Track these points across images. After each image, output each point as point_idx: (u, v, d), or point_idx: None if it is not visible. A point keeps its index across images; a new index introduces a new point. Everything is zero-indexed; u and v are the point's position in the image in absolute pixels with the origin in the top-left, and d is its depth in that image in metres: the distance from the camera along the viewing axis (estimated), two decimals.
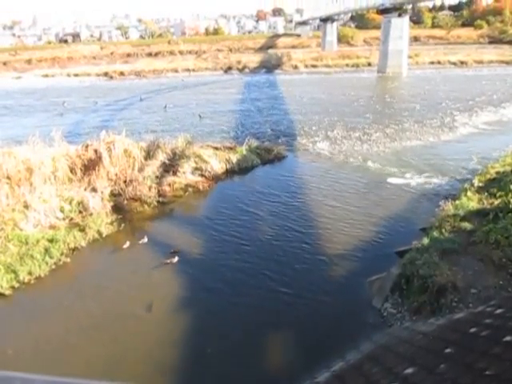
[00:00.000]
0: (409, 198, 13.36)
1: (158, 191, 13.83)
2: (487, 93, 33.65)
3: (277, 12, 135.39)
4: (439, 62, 58.27)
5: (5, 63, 71.38)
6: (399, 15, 48.47)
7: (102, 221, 11.78)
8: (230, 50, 76.97)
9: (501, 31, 77.28)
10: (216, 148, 17.42)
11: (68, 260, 10.11)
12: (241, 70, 60.89)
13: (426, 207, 12.36)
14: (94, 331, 7.61)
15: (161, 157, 15.13)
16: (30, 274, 9.29)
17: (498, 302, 5.93)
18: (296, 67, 59.98)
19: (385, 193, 13.88)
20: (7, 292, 8.82)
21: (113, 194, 13.31)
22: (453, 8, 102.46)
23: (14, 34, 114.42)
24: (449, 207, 10.90)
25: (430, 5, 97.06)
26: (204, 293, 8.75)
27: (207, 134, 22.48)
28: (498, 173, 13.42)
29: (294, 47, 78.63)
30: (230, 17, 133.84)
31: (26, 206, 11.63)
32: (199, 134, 21.31)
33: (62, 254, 10.18)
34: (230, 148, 17.75)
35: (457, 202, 11.27)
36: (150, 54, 77.16)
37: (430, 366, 4.04)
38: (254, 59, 65.30)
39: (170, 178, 14.61)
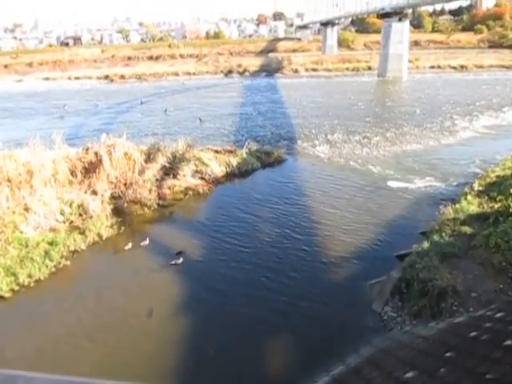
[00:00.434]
0: (409, 201, 13.35)
1: (158, 194, 13.83)
2: (487, 97, 33.69)
3: (277, 16, 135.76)
4: (439, 67, 58.37)
5: (6, 66, 71.75)
6: (399, 19, 48.65)
7: (102, 223, 11.78)
8: (231, 54, 77.22)
9: (501, 36, 77.42)
10: (216, 151, 17.44)
11: (68, 263, 10.10)
12: (241, 74, 61.04)
13: (425, 211, 12.35)
14: (94, 334, 7.60)
15: (161, 160, 15.14)
16: (29, 276, 9.28)
17: (498, 305, 5.92)
18: (296, 71, 60.11)
19: (385, 196, 13.87)
20: (7, 295, 8.80)
21: (113, 197, 13.31)
22: (453, 12, 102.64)
23: (15, 37, 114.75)
24: (449, 211, 10.89)
25: (431, 9, 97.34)
26: (204, 296, 8.74)
27: (207, 137, 22.53)
28: (498, 176, 13.42)
29: (294, 51, 78.80)
30: (231, 20, 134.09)
31: (27, 209, 11.63)
32: (199, 137, 21.35)
33: (62, 257, 10.17)
34: (230, 151, 17.78)
35: (457, 205, 11.26)
36: (150, 58, 77.41)
37: (431, 369, 4.03)
38: (254, 63, 65.51)
39: (170, 181, 14.61)
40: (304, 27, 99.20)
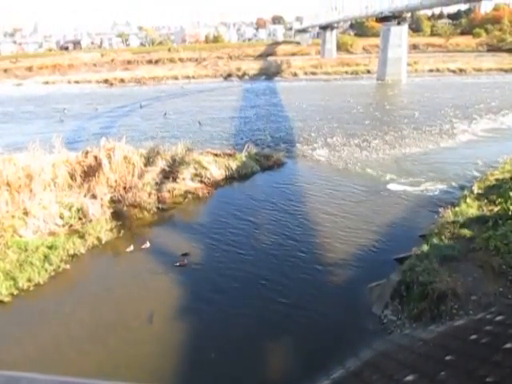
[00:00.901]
0: (408, 204, 13.36)
1: (158, 198, 13.84)
2: (486, 100, 33.78)
3: (276, 20, 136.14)
4: (438, 70, 58.56)
5: (6, 70, 71.69)
6: (398, 23, 48.82)
7: (102, 227, 11.77)
8: (230, 58, 77.34)
9: (499, 39, 77.79)
10: (216, 154, 17.46)
11: (67, 267, 10.09)
12: (241, 77, 61.17)
13: (425, 214, 12.36)
14: (95, 337, 7.58)
15: (160, 163, 15.16)
16: (29, 280, 9.26)
17: (498, 308, 5.92)
18: (295, 74, 60.31)
19: (384, 199, 13.89)
20: (6, 299, 8.77)
21: (112, 201, 13.31)
22: (451, 16, 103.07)
23: (15, 42, 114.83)
24: (448, 214, 10.91)
25: (429, 13, 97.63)
26: (205, 298, 8.73)
27: (207, 140, 22.55)
28: (497, 180, 13.44)
29: (293, 54, 79.09)
30: (230, 24, 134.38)
31: (26, 213, 11.62)
32: (199, 140, 21.36)
33: (61, 261, 10.15)
34: (230, 155, 17.79)
35: (456, 208, 11.28)
36: (150, 62, 77.47)
37: (431, 373, 4.02)
38: (253, 66, 65.61)
39: (169, 185, 14.62)
40: (303, 31, 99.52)
